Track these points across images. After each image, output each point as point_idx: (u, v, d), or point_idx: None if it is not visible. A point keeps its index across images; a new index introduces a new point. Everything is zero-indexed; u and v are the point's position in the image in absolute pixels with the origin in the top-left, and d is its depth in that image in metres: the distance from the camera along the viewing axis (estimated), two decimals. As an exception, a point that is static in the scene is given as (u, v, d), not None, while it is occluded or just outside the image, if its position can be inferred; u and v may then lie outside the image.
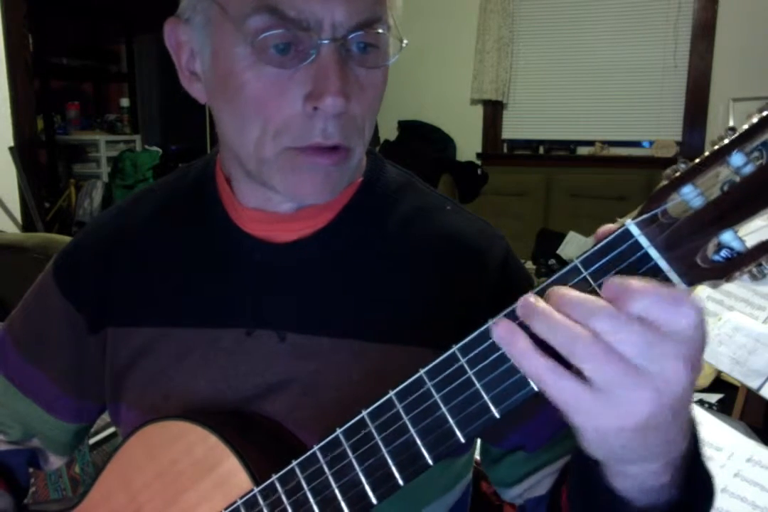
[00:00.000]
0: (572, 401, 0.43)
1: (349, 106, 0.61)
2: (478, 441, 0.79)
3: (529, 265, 3.90)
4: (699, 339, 0.42)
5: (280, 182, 0.66)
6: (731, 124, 3.98)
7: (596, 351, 0.41)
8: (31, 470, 0.90)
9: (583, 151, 4.65)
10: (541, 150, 4.76)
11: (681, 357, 0.41)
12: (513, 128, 4.81)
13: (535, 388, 0.46)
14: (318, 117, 0.61)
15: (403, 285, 0.71)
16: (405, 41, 0.66)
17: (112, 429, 1.88)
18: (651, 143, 4.44)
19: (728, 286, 1.37)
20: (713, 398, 1.50)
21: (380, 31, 0.62)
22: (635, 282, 0.42)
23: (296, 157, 0.63)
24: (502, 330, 0.45)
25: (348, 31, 0.60)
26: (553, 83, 4.60)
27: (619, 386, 0.41)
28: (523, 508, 0.75)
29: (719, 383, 1.52)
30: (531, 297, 0.45)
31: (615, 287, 0.42)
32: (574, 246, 3.02)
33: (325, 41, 0.60)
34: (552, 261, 3.21)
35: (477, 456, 0.83)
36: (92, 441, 1.84)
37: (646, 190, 3.98)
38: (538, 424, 0.69)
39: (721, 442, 1.15)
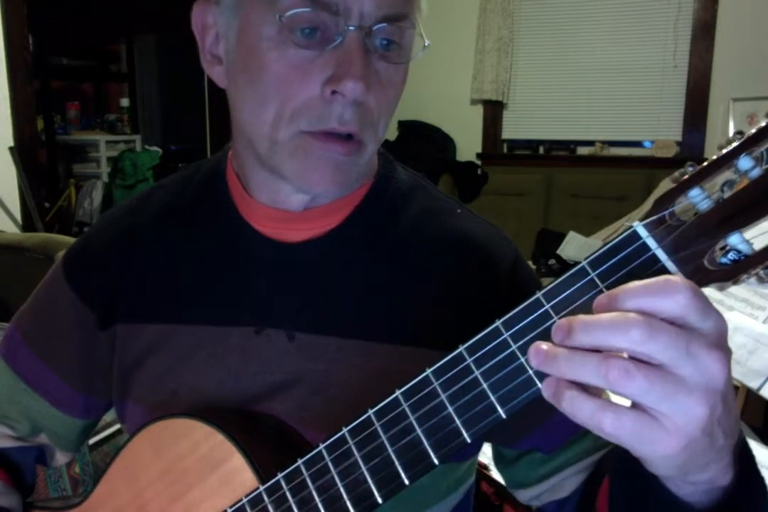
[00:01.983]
0: (634, 434, 0.41)
1: (367, 97, 0.62)
2: (485, 444, 0.79)
3: (529, 265, 3.89)
4: (723, 323, 0.42)
5: (290, 168, 0.66)
6: (731, 123, 3.99)
7: (630, 371, 0.40)
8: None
9: (583, 151, 4.65)
10: (541, 150, 4.77)
11: (713, 347, 0.40)
12: (513, 128, 4.81)
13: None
14: (336, 102, 0.62)
15: (412, 286, 0.72)
16: (428, 42, 0.67)
17: (112, 429, 1.88)
18: (651, 143, 4.45)
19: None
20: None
21: (405, 27, 0.64)
22: (645, 284, 0.41)
23: (310, 142, 0.64)
24: (546, 387, 0.43)
25: (375, 22, 0.61)
26: (553, 83, 4.60)
27: (668, 399, 0.40)
28: (542, 511, 0.75)
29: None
30: (540, 346, 0.43)
31: (623, 294, 0.41)
32: (574, 246, 3.01)
33: (352, 28, 0.61)
34: (552, 262, 3.20)
35: (480, 458, 0.83)
36: (92, 441, 1.84)
37: (646, 190, 3.98)
38: (553, 426, 0.69)
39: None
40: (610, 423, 0.41)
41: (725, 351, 0.41)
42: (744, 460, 0.50)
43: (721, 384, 0.41)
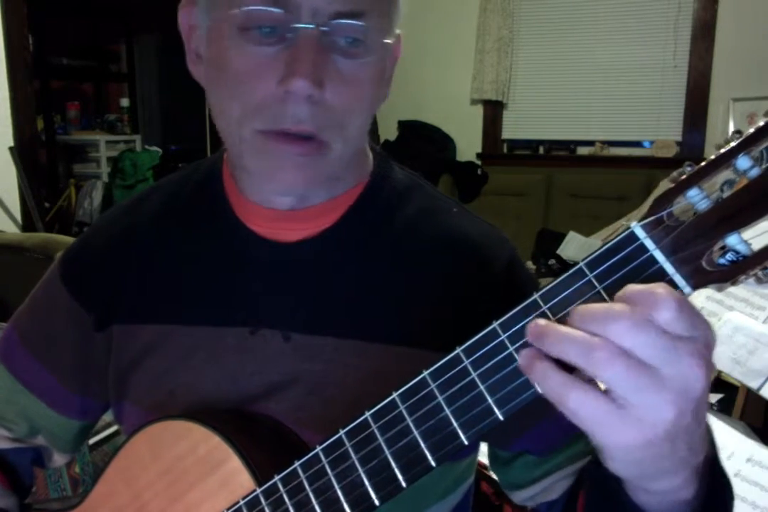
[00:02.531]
0: (596, 416, 0.42)
1: (325, 95, 0.61)
2: (484, 444, 0.79)
3: (529, 265, 3.90)
4: (711, 335, 0.42)
5: (254, 166, 0.66)
6: (731, 123, 3.99)
7: (611, 354, 0.41)
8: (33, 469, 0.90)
9: (583, 151, 4.65)
10: (541, 150, 4.76)
11: (697, 355, 0.41)
12: (513, 128, 4.80)
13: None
14: (290, 101, 0.61)
15: (408, 286, 0.71)
16: (387, 40, 0.65)
17: (112, 429, 1.88)
18: (651, 143, 4.44)
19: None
20: (713, 398, 1.51)
21: (365, 24, 0.62)
22: (647, 288, 0.41)
23: (266, 142, 0.63)
24: (522, 358, 0.45)
25: (328, 18, 0.60)
26: (553, 83, 4.60)
27: (641, 392, 0.41)
28: (535, 511, 0.75)
29: (719, 383, 1.52)
30: (538, 321, 0.44)
31: (629, 294, 0.42)
32: (574, 246, 3.01)
33: (302, 25, 0.60)
34: (552, 262, 3.20)
35: (480, 458, 0.83)
36: (92, 441, 1.84)
37: (646, 190, 3.97)
38: (544, 429, 0.69)
39: (721, 442, 1.15)
40: (574, 400, 0.42)
41: (707, 362, 0.42)
42: (715, 478, 0.50)
43: (697, 392, 0.42)
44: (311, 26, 0.60)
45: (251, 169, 0.67)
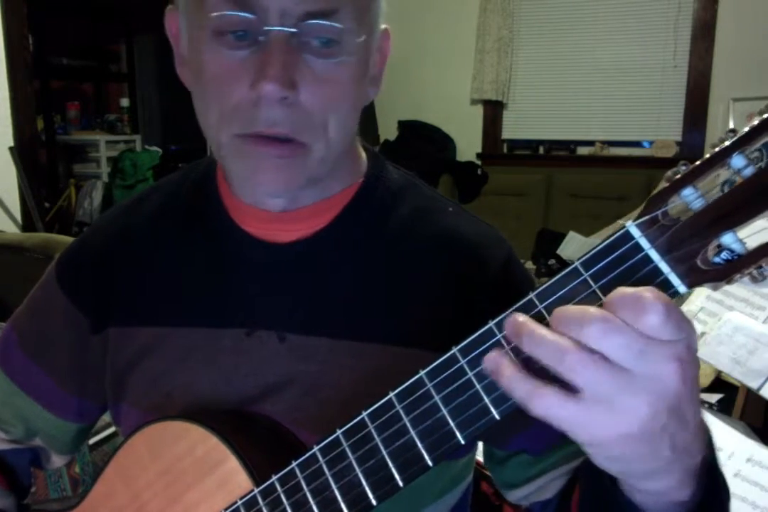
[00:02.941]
0: (567, 418, 0.42)
1: (299, 97, 0.61)
2: (480, 443, 0.79)
3: (529, 265, 3.90)
4: (694, 337, 0.42)
5: (235, 170, 0.67)
6: (731, 123, 3.99)
7: (583, 359, 0.41)
8: (31, 469, 0.90)
9: (583, 151, 4.65)
10: (541, 150, 4.77)
11: (675, 358, 0.41)
12: (513, 128, 4.81)
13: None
14: (262, 105, 0.61)
15: (404, 286, 0.71)
16: (363, 38, 0.64)
17: (112, 429, 1.88)
18: (651, 143, 4.44)
19: (728, 286, 1.37)
20: (713, 398, 1.50)
21: (337, 24, 0.61)
22: (636, 292, 0.41)
23: (243, 145, 0.63)
24: (488, 362, 0.45)
25: (298, 19, 0.60)
26: (553, 83, 4.60)
27: (613, 393, 0.41)
28: (529, 511, 0.75)
29: (719, 383, 1.52)
30: (517, 317, 0.44)
31: (617, 298, 0.42)
32: (574, 246, 3.01)
33: (271, 28, 0.60)
34: (552, 262, 3.20)
35: (480, 458, 0.83)
36: (92, 441, 1.84)
37: (646, 190, 3.97)
38: (540, 428, 0.69)
39: (721, 442, 1.15)
40: (538, 406, 0.43)
41: (685, 363, 0.42)
42: (713, 480, 0.50)
43: (672, 394, 0.42)
44: (280, 28, 0.60)
45: (233, 173, 0.68)
